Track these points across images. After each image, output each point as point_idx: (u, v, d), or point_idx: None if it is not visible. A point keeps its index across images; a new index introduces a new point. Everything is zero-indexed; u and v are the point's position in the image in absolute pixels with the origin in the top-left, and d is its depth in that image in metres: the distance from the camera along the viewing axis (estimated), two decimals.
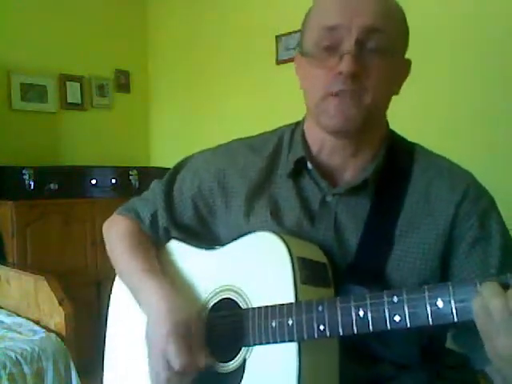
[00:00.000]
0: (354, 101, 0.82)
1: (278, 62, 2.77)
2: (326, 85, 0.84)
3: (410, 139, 0.97)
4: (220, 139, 1.10)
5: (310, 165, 0.92)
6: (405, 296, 0.70)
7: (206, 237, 1.02)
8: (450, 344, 0.93)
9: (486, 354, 0.69)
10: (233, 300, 0.88)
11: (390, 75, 0.85)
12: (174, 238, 1.03)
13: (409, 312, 0.69)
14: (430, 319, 0.67)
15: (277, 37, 2.75)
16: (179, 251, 1.02)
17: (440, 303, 0.67)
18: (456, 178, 0.88)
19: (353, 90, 0.82)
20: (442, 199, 0.86)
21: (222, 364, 0.87)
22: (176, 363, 0.82)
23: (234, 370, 0.85)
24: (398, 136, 0.97)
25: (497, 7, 1.91)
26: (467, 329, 0.74)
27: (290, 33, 2.68)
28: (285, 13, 2.72)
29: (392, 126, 0.96)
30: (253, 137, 1.04)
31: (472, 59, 1.98)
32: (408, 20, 0.88)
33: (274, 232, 0.85)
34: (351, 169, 0.91)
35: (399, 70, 0.89)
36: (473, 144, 1.98)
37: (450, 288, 0.67)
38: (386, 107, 0.90)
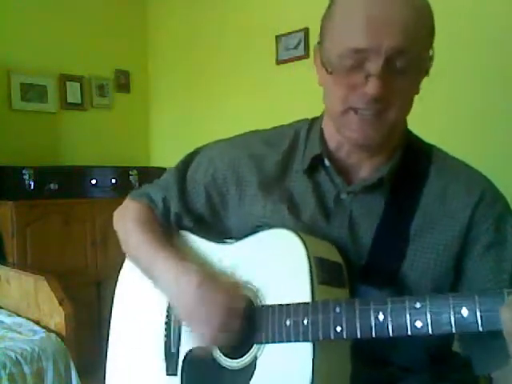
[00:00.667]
0: (376, 119, 0.81)
1: (278, 62, 2.77)
2: (348, 100, 0.82)
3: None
4: (220, 139, 1.10)
5: (327, 161, 0.91)
6: (428, 302, 0.69)
7: (216, 226, 1.01)
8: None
9: (487, 360, 0.69)
10: (246, 296, 0.87)
11: (414, 86, 0.84)
12: (185, 227, 1.02)
13: (431, 319, 0.68)
14: (453, 327, 0.67)
15: (277, 37, 2.75)
16: (192, 244, 1.00)
17: (465, 311, 0.66)
18: (472, 181, 0.88)
19: (376, 109, 0.80)
20: (458, 201, 0.86)
21: (232, 360, 0.86)
22: (219, 302, 0.82)
23: (245, 367, 0.84)
24: (415, 136, 0.96)
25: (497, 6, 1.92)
26: (471, 333, 0.74)
27: (289, 33, 2.68)
28: (285, 13, 2.72)
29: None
30: (268, 130, 1.03)
31: (471, 58, 1.99)
32: None
33: (291, 230, 0.84)
34: (367, 167, 0.91)
35: (423, 74, 0.86)
36: (473, 143, 1.98)
37: (476, 297, 0.66)
38: (409, 113, 0.88)
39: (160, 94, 3.60)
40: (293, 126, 1.00)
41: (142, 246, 0.97)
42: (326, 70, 0.84)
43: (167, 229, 1.01)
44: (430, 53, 0.85)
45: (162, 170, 2.78)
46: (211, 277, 0.86)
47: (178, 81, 3.44)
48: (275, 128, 1.03)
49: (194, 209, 1.01)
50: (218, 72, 3.12)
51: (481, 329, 0.65)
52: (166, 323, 0.98)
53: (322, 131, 0.94)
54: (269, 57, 2.80)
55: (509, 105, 1.90)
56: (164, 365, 0.96)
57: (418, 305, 0.69)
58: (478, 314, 0.65)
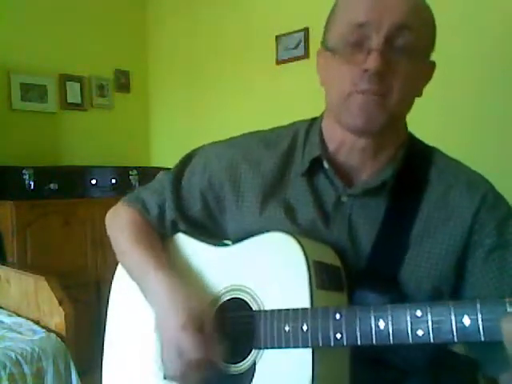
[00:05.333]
0: (378, 102, 0.80)
1: (278, 62, 2.77)
2: (350, 81, 0.81)
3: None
4: (220, 139, 1.09)
5: (326, 164, 0.90)
6: (429, 310, 0.68)
7: (213, 231, 0.99)
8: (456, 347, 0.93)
9: (499, 362, 0.68)
10: (243, 300, 0.86)
11: (416, 76, 0.83)
12: (181, 231, 1.01)
13: (433, 328, 0.67)
14: (454, 336, 0.66)
15: (277, 37, 2.75)
16: (187, 246, 0.99)
17: (467, 321, 0.65)
18: (474, 185, 0.87)
19: (378, 89, 0.80)
20: (459, 205, 0.85)
21: (230, 365, 0.85)
22: (190, 356, 0.80)
23: (243, 372, 0.83)
24: (416, 139, 0.95)
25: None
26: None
27: (290, 33, 2.68)
28: (285, 13, 2.72)
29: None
30: (266, 131, 1.01)
31: (470, 58, 1.99)
32: None
33: (289, 233, 0.83)
34: (368, 170, 0.89)
35: (425, 72, 0.87)
36: (470, 144, 1.98)
37: (478, 306, 0.65)
38: (409, 109, 0.88)
39: (160, 94, 3.60)
40: (291, 128, 0.99)
41: (134, 259, 0.96)
42: (331, 50, 0.85)
43: (160, 235, 1.00)
44: (432, 50, 0.86)
45: (162, 169, 2.77)
46: (194, 317, 0.83)
47: (177, 81, 3.43)
48: (273, 129, 1.01)
49: (190, 214, 0.99)
50: (218, 72, 3.12)
51: (482, 339, 0.64)
52: None
53: (321, 132, 0.93)
54: (269, 57, 2.80)
55: (507, 105, 1.90)
56: (161, 369, 0.94)
57: (418, 313, 0.68)
58: (480, 323, 0.64)
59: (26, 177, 2.82)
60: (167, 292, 0.87)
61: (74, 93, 3.28)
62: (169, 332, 0.84)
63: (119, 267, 1.08)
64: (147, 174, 3.21)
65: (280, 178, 0.93)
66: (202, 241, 0.98)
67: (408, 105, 0.86)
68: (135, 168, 3.24)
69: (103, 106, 3.45)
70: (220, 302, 0.89)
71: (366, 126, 0.82)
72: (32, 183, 2.82)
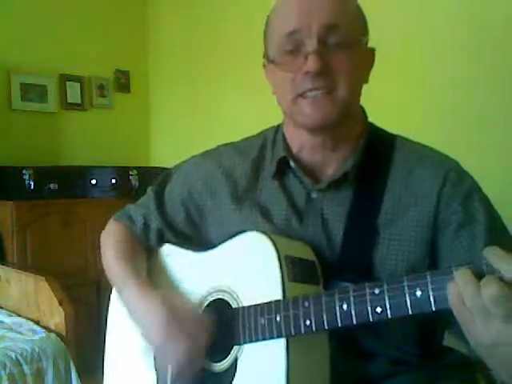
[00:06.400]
0: (327, 97, 0.84)
1: None
2: (295, 86, 0.86)
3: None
4: (220, 139, 1.10)
5: (292, 163, 0.94)
6: (385, 287, 0.70)
7: (198, 240, 1.03)
8: (449, 342, 0.93)
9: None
10: (225, 301, 0.89)
11: (357, 66, 0.87)
12: (167, 241, 1.05)
13: (390, 303, 0.69)
14: (409, 309, 0.68)
15: None
16: (171, 254, 1.03)
17: (418, 292, 0.67)
18: (436, 165, 0.89)
19: (323, 86, 0.84)
20: (423, 186, 0.87)
21: (214, 364, 0.88)
22: (177, 363, 0.84)
23: (227, 369, 0.86)
24: (378, 128, 0.98)
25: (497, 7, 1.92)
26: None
27: None
28: None
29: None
30: (239, 141, 1.07)
31: (474, 61, 1.99)
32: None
33: (262, 232, 0.86)
34: (332, 164, 0.92)
35: (365, 59, 0.91)
36: (478, 147, 1.98)
37: (428, 277, 0.67)
38: (359, 97, 0.92)
39: (160, 94, 3.60)
40: (261, 135, 1.04)
41: (115, 275, 1.01)
42: (272, 62, 0.90)
43: (145, 247, 1.04)
44: (366, 39, 0.91)
45: (162, 169, 2.78)
46: (176, 312, 0.87)
47: (178, 81, 3.43)
48: (245, 139, 1.07)
49: (174, 224, 1.04)
50: (218, 72, 3.12)
51: (434, 308, 0.66)
52: None
53: (284, 136, 0.97)
54: None
55: (508, 104, 1.89)
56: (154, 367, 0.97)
57: (376, 290, 0.71)
58: (431, 293, 0.66)
59: (26, 177, 2.81)
60: (143, 296, 0.91)
61: (73, 93, 3.28)
62: (154, 334, 0.88)
63: None
64: (147, 174, 3.21)
65: (253, 182, 0.98)
66: (185, 248, 1.02)
67: (356, 93, 0.91)
68: (135, 168, 3.24)
69: (103, 106, 3.45)
70: (204, 305, 0.92)
71: (321, 123, 0.86)
72: (32, 183, 2.82)
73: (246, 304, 0.85)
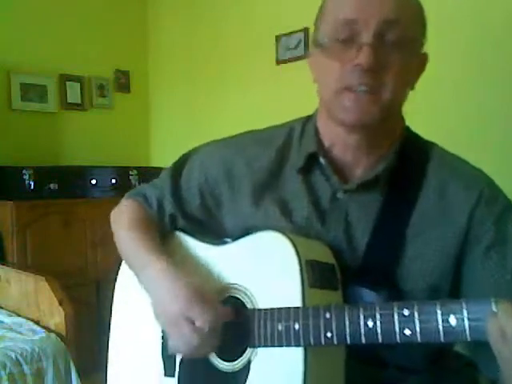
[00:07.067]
0: (371, 96, 0.80)
1: (278, 62, 2.77)
2: (342, 77, 0.81)
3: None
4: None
5: (322, 160, 0.89)
6: (416, 310, 0.68)
7: (212, 227, 1.00)
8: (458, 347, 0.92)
9: (491, 364, 0.67)
10: (238, 299, 0.87)
11: (409, 69, 0.83)
12: (180, 228, 1.01)
13: (420, 327, 0.67)
14: (441, 336, 0.66)
15: (277, 37, 2.74)
16: (185, 245, 0.99)
17: (453, 320, 0.65)
18: (471, 179, 0.86)
19: (370, 84, 0.79)
20: (456, 200, 0.84)
21: (226, 363, 0.86)
22: (202, 321, 0.80)
23: (239, 370, 0.84)
24: (414, 133, 0.94)
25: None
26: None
27: (290, 33, 2.68)
28: (285, 13, 2.72)
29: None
30: (262, 130, 1.02)
31: (475, 57, 1.99)
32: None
33: (282, 232, 0.83)
34: (363, 165, 0.89)
35: (416, 64, 0.86)
36: (480, 143, 1.98)
37: (464, 305, 0.65)
38: (403, 103, 0.87)
39: (160, 94, 3.60)
40: (287, 125, 0.99)
41: (134, 251, 0.96)
42: (320, 46, 0.85)
43: (160, 229, 1.01)
44: (423, 42, 0.85)
45: (162, 169, 2.77)
46: (198, 291, 0.84)
47: (178, 81, 3.43)
48: (269, 128, 1.02)
49: (188, 210, 1.00)
50: (218, 72, 3.12)
51: (469, 338, 0.64)
52: None
53: (316, 129, 0.93)
54: (269, 57, 2.80)
55: (509, 105, 1.89)
56: (162, 366, 0.96)
57: (406, 312, 0.68)
58: (466, 323, 0.64)
59: (26, 177, 2.81)
60: (168, 273, 0.87)
61: (73, 93, 3.28)
62: (172, 310, 0.83)
63: (122, 269, 1.09)
64: (147, 174, 3.20)
65: (275, 174, 0.93)
66: (199, 239, 0.98)
67: (401, 98, 0.86)
68: (135, 168, 3.24)
69: (103, 106, 3.44)
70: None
71: (360, 121, 0.82)
72: (32, 183, 2.82)
73: (260, 306, 0.83)
